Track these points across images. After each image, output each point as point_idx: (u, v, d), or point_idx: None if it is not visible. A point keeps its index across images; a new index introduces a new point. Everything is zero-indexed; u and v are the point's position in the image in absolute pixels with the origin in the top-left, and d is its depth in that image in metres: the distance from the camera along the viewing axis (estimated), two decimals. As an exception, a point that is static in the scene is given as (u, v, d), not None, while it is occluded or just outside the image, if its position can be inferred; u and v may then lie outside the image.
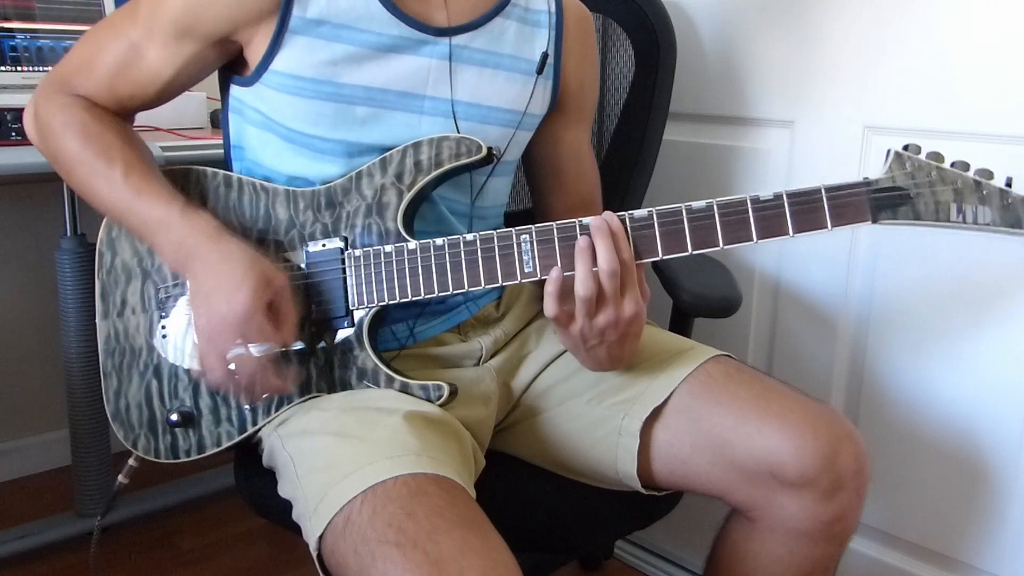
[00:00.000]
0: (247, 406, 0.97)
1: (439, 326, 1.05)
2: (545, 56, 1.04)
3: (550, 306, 0.90)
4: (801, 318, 1.45)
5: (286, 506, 0.90)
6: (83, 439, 1.63)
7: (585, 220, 0.90)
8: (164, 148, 1.34)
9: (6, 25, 1.48)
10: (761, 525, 0.96)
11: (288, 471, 0.91)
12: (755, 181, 1.48)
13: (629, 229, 0.90)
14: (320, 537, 0.81)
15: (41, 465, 2.00)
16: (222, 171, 1.01)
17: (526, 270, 0.92)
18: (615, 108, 1.43)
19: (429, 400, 0.94)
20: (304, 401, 0.96)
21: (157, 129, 1.56)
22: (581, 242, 0.89)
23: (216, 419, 0.98)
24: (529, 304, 1.14)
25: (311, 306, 0.96)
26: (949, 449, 1.31)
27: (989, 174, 0.88)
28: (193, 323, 0.90)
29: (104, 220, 1.02)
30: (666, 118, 1.38)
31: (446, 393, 0.94)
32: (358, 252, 0.95)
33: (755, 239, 0.89)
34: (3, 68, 1.47)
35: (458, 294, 0.97)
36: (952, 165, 0.89)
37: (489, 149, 0.96)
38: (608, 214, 0.90)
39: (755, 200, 0.89)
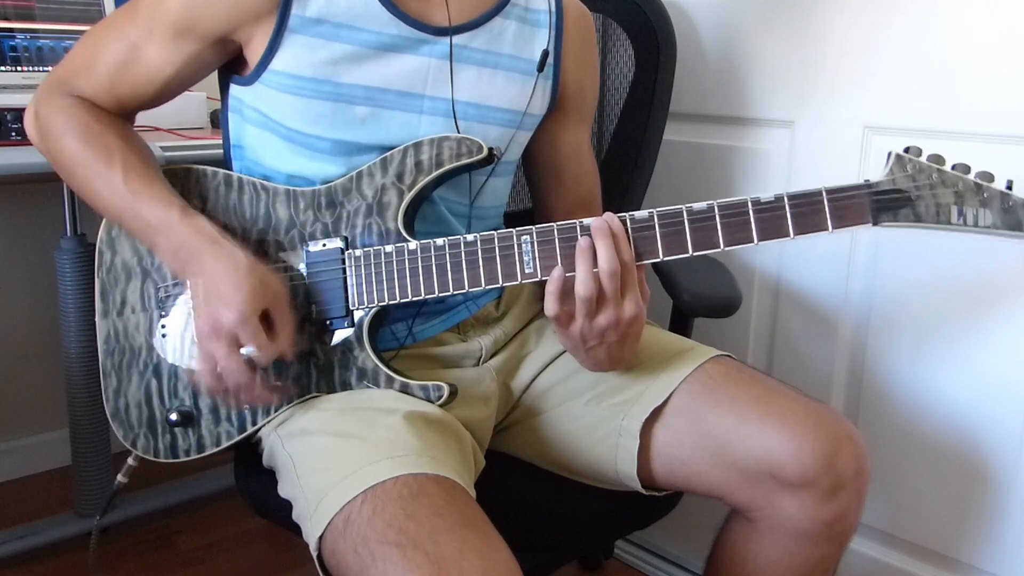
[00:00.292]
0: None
1: (438, 326, 1.05)
2: (546, 53, 1.04)
3: (551, 305, 0.90)
4: (801, 318, 1.45)
5: (286, 506, 0.90)
6: (83, 439, 1.63)
7: (586, 221, 0.90)
8: (164, 148, 1.34)
9: (6, 25, 1.48)
10: (761, 525, 0.96)
11: (288, 471, 0.91)
12: (755, 181, 1.48)
13: (630, 230, 0.90)
14: (320, 537, 0.81)
15: (41, 465, 2.00)
16: (222, 170, 1.01)
17: (526, 271, 0.91)
18: (615, 108, 1.42)
19: (429, 400, 0.93)
20: (304, 401, 0.96)
21: (157, 129, 1.56)
22: (582, 242, 0.89)
23: (216, 418, 0.98)
24: (529, 304, 1.14)
25: (311, 306, 0.96)
26: (949, 449, 1.31)
27: (990, 177, 0.88)
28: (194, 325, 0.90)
29: (104, 219, 1.02)
30: (666, 118, 1.38)
31: (446, 393, 0.94)
32: (358, 252, 0.95)
33: (756, 241, 0.89)
34: (3, 68, 1.47)
35: (458, 294, 0.97)
36: (953, 168, 0.88)
37: (490, 149, 0.95)
38: (609, 215, 0.90)
39: (756, 202, 0.89)
